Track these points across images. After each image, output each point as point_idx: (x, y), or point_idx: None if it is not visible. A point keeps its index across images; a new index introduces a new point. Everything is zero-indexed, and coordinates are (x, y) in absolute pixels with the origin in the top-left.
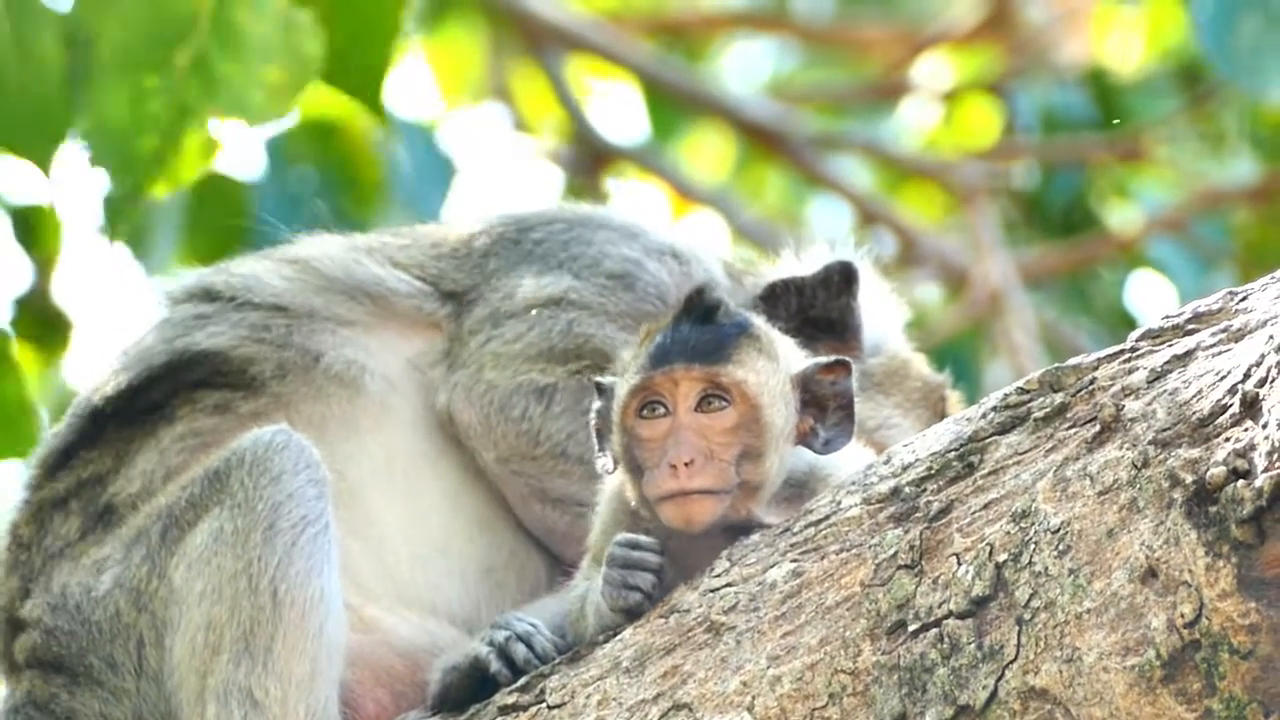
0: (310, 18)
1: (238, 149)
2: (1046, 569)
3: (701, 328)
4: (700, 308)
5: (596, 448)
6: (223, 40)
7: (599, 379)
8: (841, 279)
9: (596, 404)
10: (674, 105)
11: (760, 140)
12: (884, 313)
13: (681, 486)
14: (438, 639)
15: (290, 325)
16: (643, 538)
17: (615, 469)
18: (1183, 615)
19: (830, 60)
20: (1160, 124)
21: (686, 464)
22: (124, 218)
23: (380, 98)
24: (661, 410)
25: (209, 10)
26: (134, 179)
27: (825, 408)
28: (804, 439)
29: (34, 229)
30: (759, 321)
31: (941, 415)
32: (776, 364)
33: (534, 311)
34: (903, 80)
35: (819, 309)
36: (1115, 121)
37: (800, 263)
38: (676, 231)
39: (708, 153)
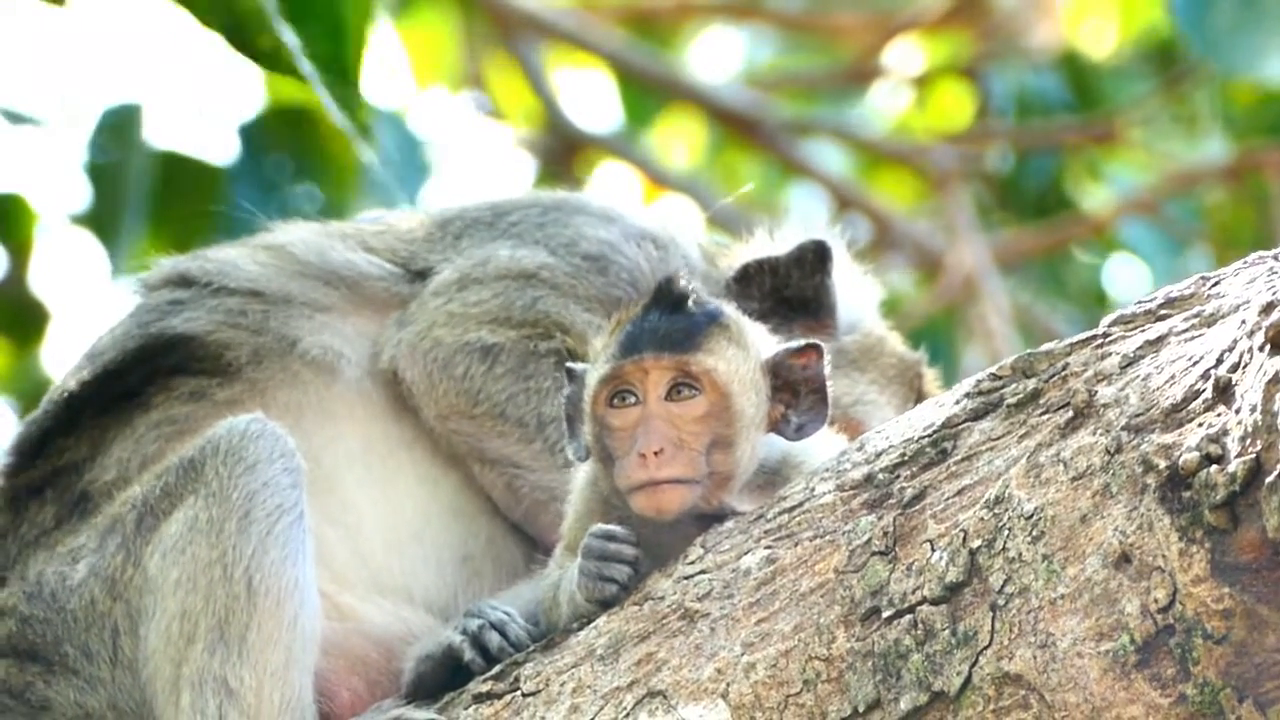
0: None
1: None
2: (1020, 555)
3: (671, 316)
4: (670, 296)
5: (567, 435)
6: None
7: (570, 365)
8: (815, 257)
9: (567, 390)
10: (647, 92)
11: (734, 127)
12: (858, 290)
13: (651, 476)
14: (413, 627)
15: (266, 311)
16: (618, 529)
17: (587, 457)
18: (1156, 600)
19: (803, 47)
20: (1133, 106)
21: (656, 453)
22: None
23: (356, 96)
24: (632, 399)
25: None
26: None
27: (797, 393)
28: (776, 426)
29: (7, 218)
30: (729, 310)
31: (918, 392)
32: (747, 352)
33: (503, 282)
34: (875, 65)
35: (793, 288)
36: (1089, 107)
37: (774, 243)
38: (654, 216)
39: (681, 140)
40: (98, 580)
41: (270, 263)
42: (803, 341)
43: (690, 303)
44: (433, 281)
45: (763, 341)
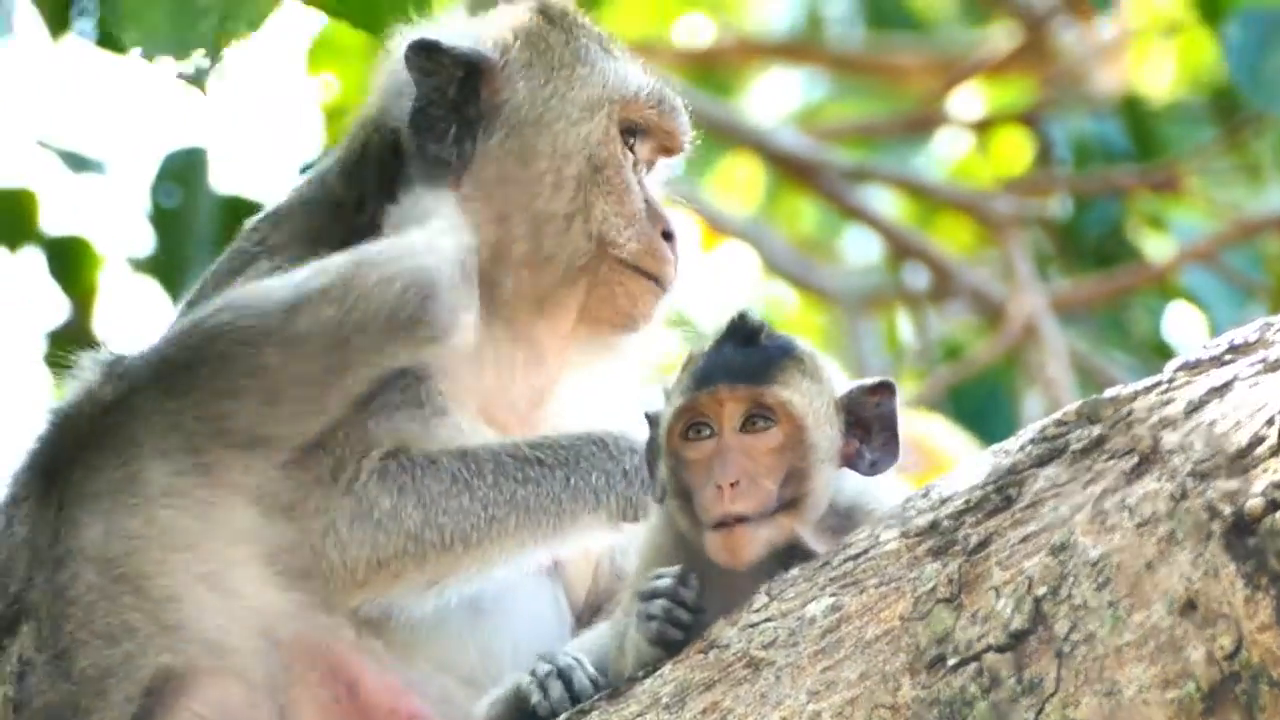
0: None
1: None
2: (1085, 602)
3: (745, 350)
4: (744, 330)
5: (647, 477)
6: None
7: (647, 410)
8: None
9: (647, 435)
10: (705, 137)
11: (792, 171)
12: None
13: (727, 511)
14: None
15: None
16: (681, 571)
17: (664, 498)
18: (1222, 648)
19: (862, 90)
20: (1194, 155)
21: (732, 485)
22: (202, 81)
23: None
24: (707, 432)
25: None
26: (202, 47)
27: (870, 429)
28: (849, 461)
29: (71, 262)
30: (803, 344)
31: None
32: (821, 385)
33: None
34: (936, 111)
35: None
36: (1150, 155)
37: None
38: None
39: (738, 184)
40: None
41: None
42: (876, 380)
43: (763, 336)
44: None
45: (836, 376)
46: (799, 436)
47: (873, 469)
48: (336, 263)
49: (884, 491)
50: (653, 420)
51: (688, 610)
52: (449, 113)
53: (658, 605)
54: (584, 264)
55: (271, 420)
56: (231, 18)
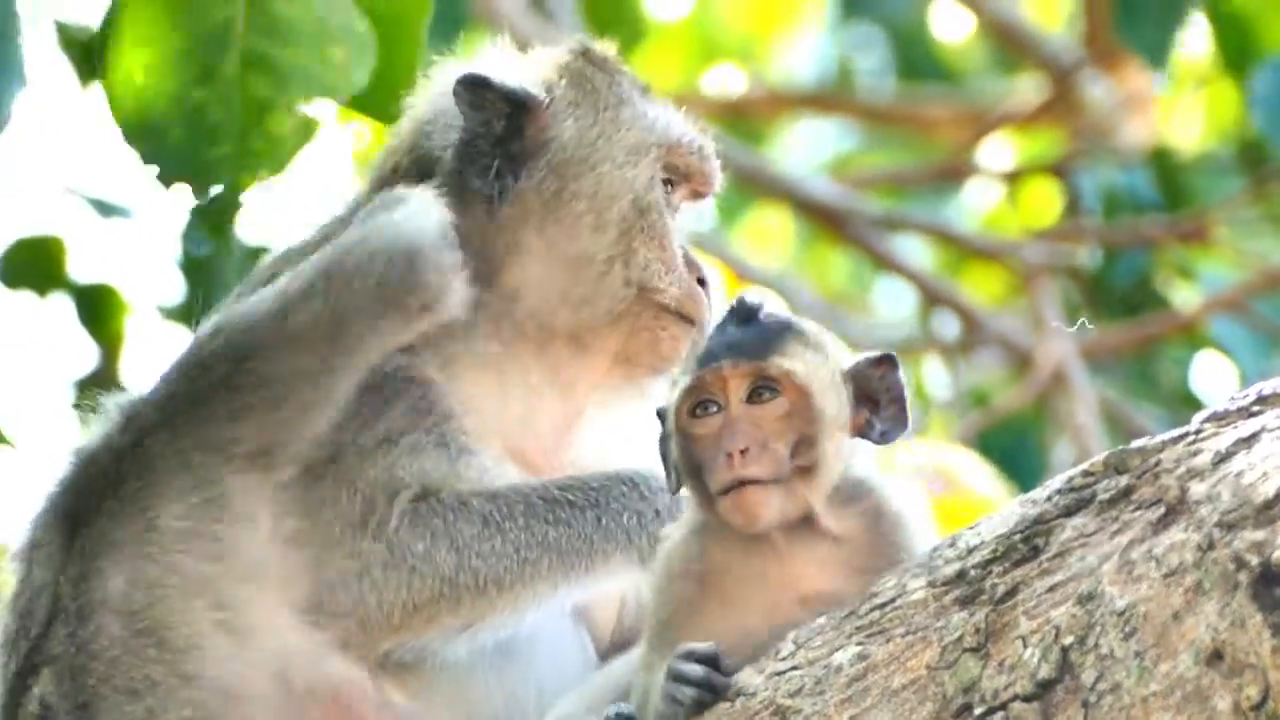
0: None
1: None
2: (1112, 651)
3: (745, 327)
4: (743, 310)
5: (664, 473)
6: (269, 33)
7: (658, 406)
8: None
9: (660, 431)
10: (736, 187)
11: (822, 220)
12: None
13: (737, 475)
14: None
15: None
16: (700, 647)
17: (679, 487)
18: (1249, 698)
19: (892, 141)
20: (1222, 206)
21: (741, 452)
22: (224, 223)
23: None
24: (714, 408)
25: (243, 12)
26: (218, 182)
27: (878, 402)
28: (860, 431)
29: (99, 309)
30: (804, 320)
31: None
32: (824, 355)
33: None
34: (966, 161)
35: None
36: (1179, 206)
37: None
38: None
39: (769, 234)
40: None
41: None
42: (878, 353)
43: (762, 314)
44: None
45: (841, 351)
46: (805, 404)
47: (883, 439)
48: (314, 259)
49: (892, 486)
50: (663, 414)
51: (714, 691)
52: (493, 148)
53: (688, 693)
54: (625, 308)
55: (275, 425)
56: (253, 159)
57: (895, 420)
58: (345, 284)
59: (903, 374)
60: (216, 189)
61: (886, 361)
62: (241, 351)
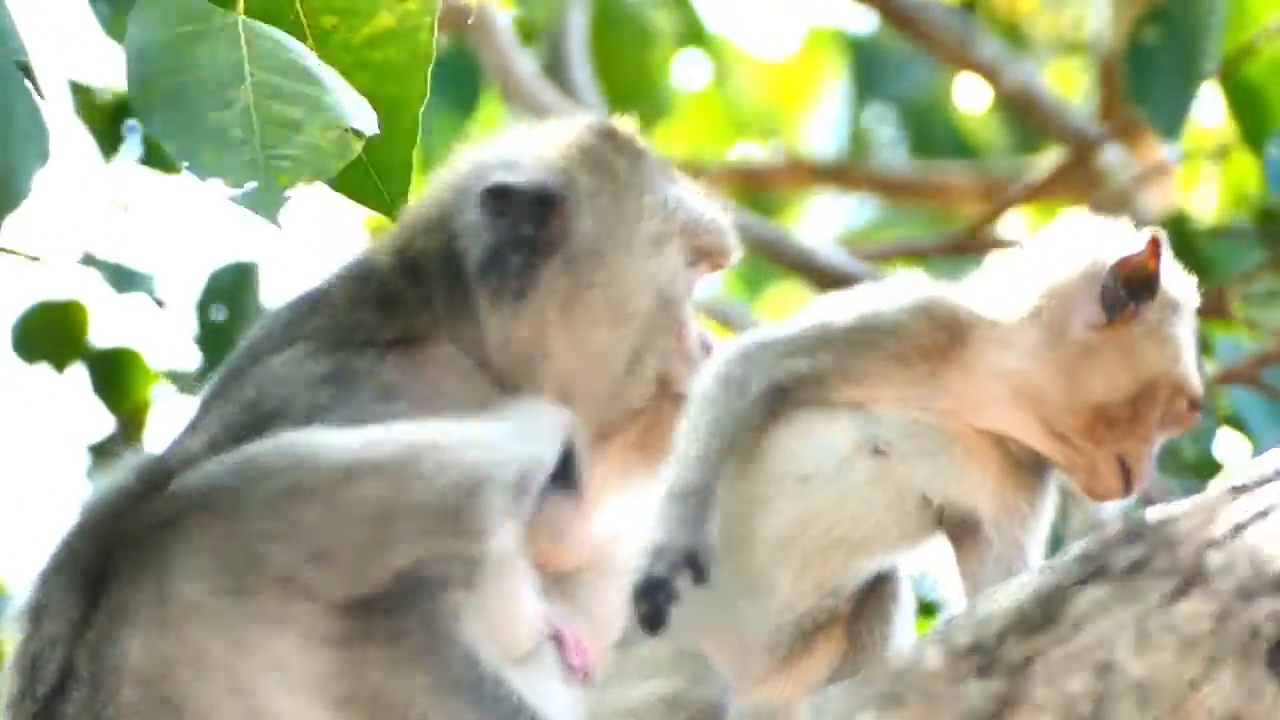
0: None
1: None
2: None
3: None
4: None
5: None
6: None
7: None
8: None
9: None
10: (756, 259)
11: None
12: None
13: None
14: None
15: None
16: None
17: None
18: None
19: (910, 215)
20: (1239, 280)
21: None
22: (273, 202)
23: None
24: None
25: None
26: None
27: None
28: None
29: (121, 375)
30: None
31: None
32: None
33: None
34: (985, 234)
35: None
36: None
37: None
38: None
39: (789, 308)
40: None
41: None
42: None
43: None
44: None
45: None
46: None
47: None
48: (398, 436)
49: None
50: None
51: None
52: (519, 249)
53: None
54: (646, 402)
55: (312, 572)
56: (297, 163)
57: None
58: (412, 483)
59: None
60: (251, 185)
61: None
62: (295, 487)
